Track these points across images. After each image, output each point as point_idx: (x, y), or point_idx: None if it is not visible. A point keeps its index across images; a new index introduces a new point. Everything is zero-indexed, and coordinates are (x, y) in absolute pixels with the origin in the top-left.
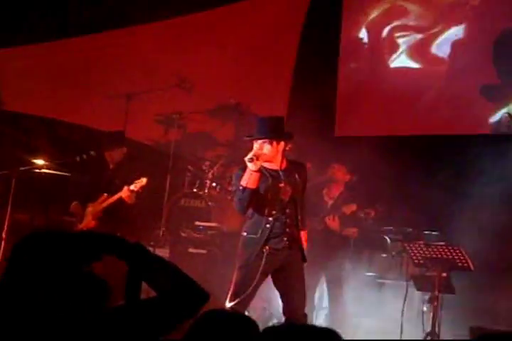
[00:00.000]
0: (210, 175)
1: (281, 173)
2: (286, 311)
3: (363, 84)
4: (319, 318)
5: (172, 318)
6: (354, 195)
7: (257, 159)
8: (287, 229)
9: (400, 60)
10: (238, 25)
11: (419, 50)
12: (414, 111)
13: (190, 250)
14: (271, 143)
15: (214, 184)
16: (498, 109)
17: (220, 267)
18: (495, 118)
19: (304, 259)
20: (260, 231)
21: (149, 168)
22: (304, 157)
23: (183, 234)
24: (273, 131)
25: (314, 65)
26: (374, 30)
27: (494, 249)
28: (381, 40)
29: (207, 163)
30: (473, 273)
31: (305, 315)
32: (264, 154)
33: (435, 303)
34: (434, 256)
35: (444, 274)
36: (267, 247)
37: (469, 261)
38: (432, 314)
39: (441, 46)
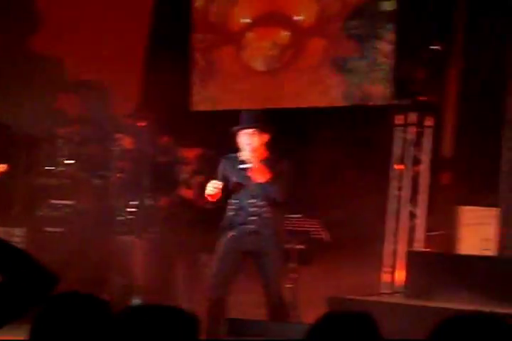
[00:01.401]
0: (64, 153)
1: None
2: None
3: (217, 57)
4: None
5: (20, 303)
6: (205, 166)
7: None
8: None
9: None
10: (90, 2)
11: None
12: (266, 84)
13: (47, 228)
14: (258, 135)
15: (69, 161)
16: (349, 80)
17: (77, 245)
18: (347, 90)
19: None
20: None
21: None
22: (162, 131)
23: (39, 213)
24: (261, 122)
25: (168, 38)
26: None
27: (351, 220)
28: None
29: (60, 140)
30: (331, 244)
31: (276, 295)
32: (254, 150)
33: (293, 275)
34: (291, 228)
35: (301, 246)
36: None
37: (325, 232)
38: (290, 286)
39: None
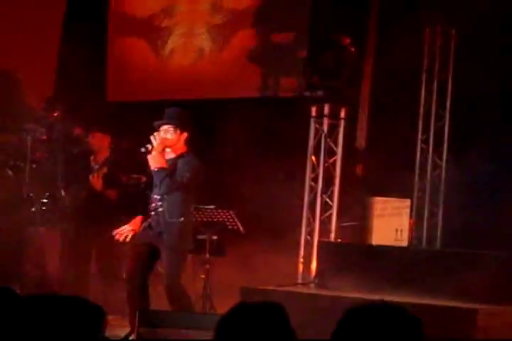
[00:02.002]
0: None
1: (170, 162)
2: None
3: (133, 46)
4: None
5: None
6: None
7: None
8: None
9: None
10: None
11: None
12: (183, 75)
13: None
14: (175, 131)
15: None
16: (263, 72)
17: None
18: (262, 81)
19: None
20: None
21: None
22: (76, 122)
23: None
24: (180, 120)
25: (83, 28)
26: None
27: (268, 211)
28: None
29: None
30: (245, 235)
31: (171, 289)
32: (165, 140)
33: (207, 266)
34: (205, 219)
35: (215, 237)
36: None
37: (239, 223)
38: (204, 276)
39: None
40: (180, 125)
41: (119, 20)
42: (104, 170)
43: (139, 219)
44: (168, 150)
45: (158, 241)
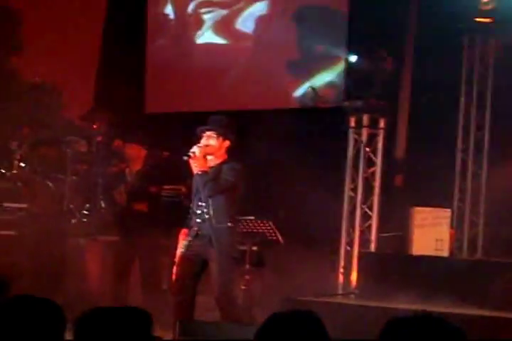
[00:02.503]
0: (18, 156)
1: (212, 170)
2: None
3: (171, 60)
4: None
5: None
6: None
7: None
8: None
9: (206, 36)
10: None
11: (224, 26)
12: (220, 86)
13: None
14: (217, 138)
15: (23, 164)
16: (302, 83)
17: (30, 248)
18: (300, 92)
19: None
20: None
21: None
22: (115, 134)
23: None
24: (224, 128)
25: (122, 41)
26: (179, 6)
27: (304, 221)
28: (187, 15)
29: (14, 142)
30: (284, 246)
31: (224, 297)
32: (208, 147)
33: (247, 276)
34: (244, 230)
35: (255, 248)
36: None
37: (278, 234)
38: (244, 287)
39: (246, 22)
40: (223, 132)
41: (156, 24)
42: (131, 183)
43: (185, 231)
44: (210, 157)
45: (208, 249)
